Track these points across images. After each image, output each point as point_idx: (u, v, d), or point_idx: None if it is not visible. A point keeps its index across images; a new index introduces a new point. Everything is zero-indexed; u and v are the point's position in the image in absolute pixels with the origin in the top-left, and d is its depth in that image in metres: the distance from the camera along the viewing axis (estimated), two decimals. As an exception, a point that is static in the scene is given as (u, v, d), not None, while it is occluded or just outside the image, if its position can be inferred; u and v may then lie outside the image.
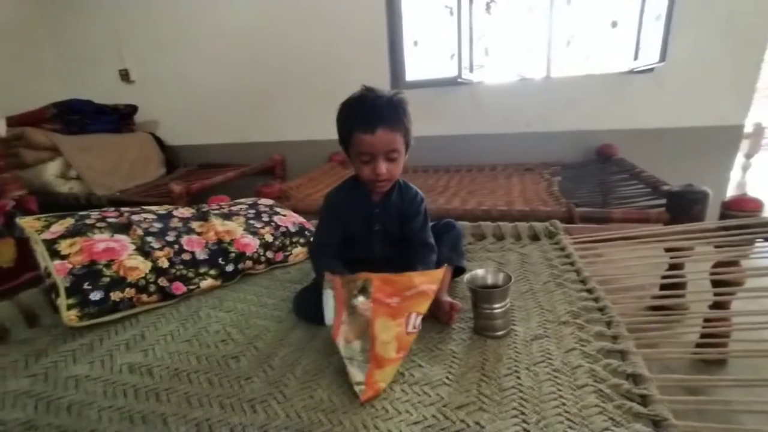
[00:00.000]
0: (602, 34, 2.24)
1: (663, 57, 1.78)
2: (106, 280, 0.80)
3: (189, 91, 2.78)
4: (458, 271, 0.96)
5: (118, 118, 2.57)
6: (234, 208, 1.16)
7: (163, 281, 0.87)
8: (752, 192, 1.35)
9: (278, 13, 2.47)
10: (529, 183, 1.99)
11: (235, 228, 1.05)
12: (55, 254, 0.79)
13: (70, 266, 0.78)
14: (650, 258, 1.21)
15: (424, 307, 0.65)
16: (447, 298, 0.80)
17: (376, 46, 2.42)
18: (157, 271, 0.86)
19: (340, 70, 2.50)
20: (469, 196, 1.82)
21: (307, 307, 0.79)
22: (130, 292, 0.82)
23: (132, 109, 2.63)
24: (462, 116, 2.42)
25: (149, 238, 0.90)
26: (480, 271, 0.78)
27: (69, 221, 0.89)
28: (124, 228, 0.90)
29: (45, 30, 2.78)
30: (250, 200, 1.27)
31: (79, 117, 2.35)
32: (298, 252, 1.12)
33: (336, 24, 2.44)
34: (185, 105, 2.82)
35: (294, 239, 1.13)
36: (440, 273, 0.70)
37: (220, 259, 0.97)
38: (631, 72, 2.15)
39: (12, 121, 2.20)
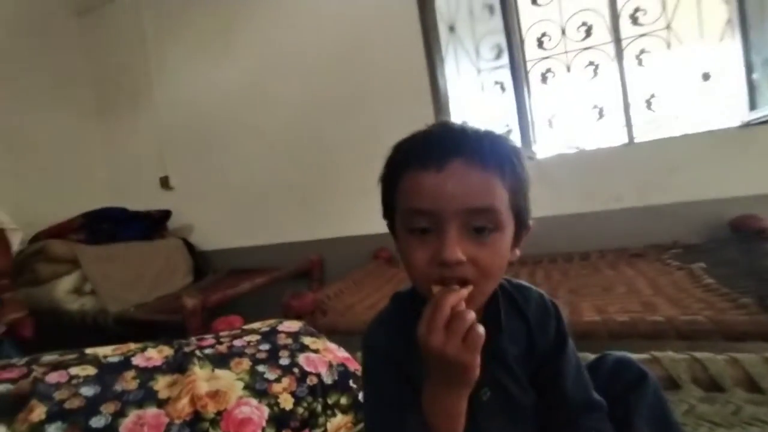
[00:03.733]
0: (691, 89, 1.89)
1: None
2: None
3: (226, 194, 2.66)
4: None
5: (150, 225, 2.41)
6: (238, 343, 0.73)
7: None
8: None
9: (315, 106, 2.38)
10: (652, 273, 1.42)
11: (229, 385, 0.60)
12: None
13: None
14: None
15: None
16: None
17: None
18: None
19: (382, 161, 2.27)
20: (574, 298, 1.28)
21: None
22: None
23: (165, 215, 2.49)
24: (533, 197, 1.99)
25: (52, 428, 0.47)
26: None
27: None
28: (11, 408, 0.48)
29: (100, 138, 2.89)
30: (267, 325, 0.84)
31: (108, 225, 2.20)
32: (338, 425, 0.62)
33: (378, 113, 2.29)
34: (221, 207, 2.68)
35: (331, 399, 0.65)
36: None
37: (188, 462, 0.50)
38: (749, 125, 1.71)
39: (40, 235, 2.07)
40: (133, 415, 0.52)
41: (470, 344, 0.33)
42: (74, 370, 0.56)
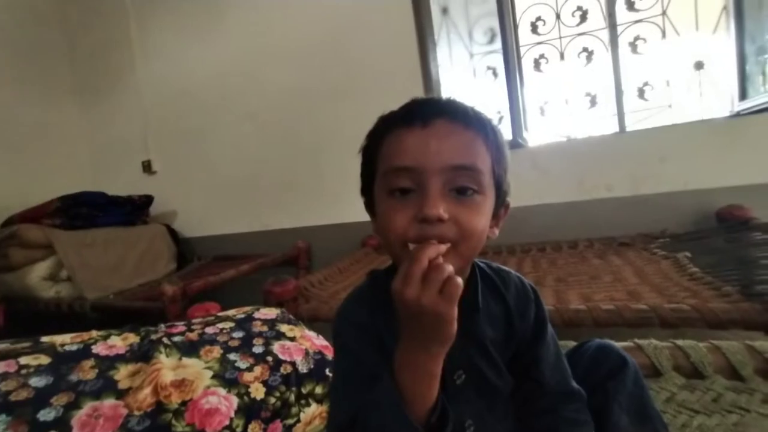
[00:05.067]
0: (684, 78, 1.87)
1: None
2: None
3: (211, 179, 2.58)
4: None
5: (132, 210, 2.34)
6: (210, 330, 0.69)
7: None
8: None
9: (304, 91, 2.31)
10: (639, 262, 1.42)
11: (197, 374, 0.57)
12: None
13: None
14: None
15: None
16: None
17: (411, 116, 2.15)
18: None
19: (372, 144, 2.22)
20: (561, 286, 1.27)
21: None
22: None
23: (147, 200, 2.42)
24: (523, 185, 1.98)
25: (-6, 423, 0.43)
26: None
27: None
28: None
29: (79, 118, 2.78)
30: (243, 312, 0.80)
31: (87, 210, 2.12)
32: (312, 415, 0.60)
33: (368, 98, 2.22)
34: (206, 193, 2.60)
35: (306, 388, 0.62)
36: None
37: (147, 456, 0.47)
38: (738, 115, 1.70)
39: (13, 219, 1.99)
40: (88, 407, 0.48)
41: (447, 295, 0.30)
42: (25, 360, 0.52)
